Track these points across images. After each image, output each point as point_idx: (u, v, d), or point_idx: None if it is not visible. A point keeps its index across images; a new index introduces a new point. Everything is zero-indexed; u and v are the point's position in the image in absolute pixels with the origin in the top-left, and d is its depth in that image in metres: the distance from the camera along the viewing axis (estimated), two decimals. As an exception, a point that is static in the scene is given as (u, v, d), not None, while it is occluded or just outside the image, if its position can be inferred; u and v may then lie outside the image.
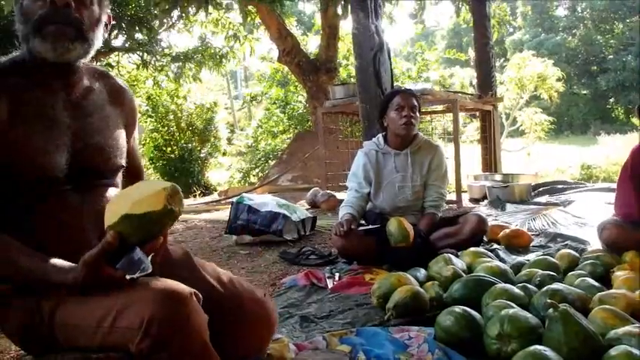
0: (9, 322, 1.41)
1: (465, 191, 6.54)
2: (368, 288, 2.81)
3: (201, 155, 14.46)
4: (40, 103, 1.43)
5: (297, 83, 13.95)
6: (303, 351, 2.00)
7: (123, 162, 1.60)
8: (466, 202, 6.24)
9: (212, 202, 8.73)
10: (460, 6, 11.11)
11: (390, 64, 5.11)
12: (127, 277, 1.23)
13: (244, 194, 4.88)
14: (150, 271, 1.24)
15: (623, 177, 3.08)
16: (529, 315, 1.91)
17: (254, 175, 14.57)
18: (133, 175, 1.69)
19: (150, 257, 1.27)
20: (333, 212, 5.94)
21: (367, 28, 4.85)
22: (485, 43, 7.97)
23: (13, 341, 1.47)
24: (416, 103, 3.49)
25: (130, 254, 1.25)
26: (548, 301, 1.89)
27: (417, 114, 3.50)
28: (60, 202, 1.43)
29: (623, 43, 28.07)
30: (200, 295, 1.27)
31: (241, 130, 21.60)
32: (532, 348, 1.65)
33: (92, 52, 1.48)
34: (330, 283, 3.00)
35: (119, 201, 1.29)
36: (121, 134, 1.61)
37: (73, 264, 1.26)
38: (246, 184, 13.19)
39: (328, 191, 6.42)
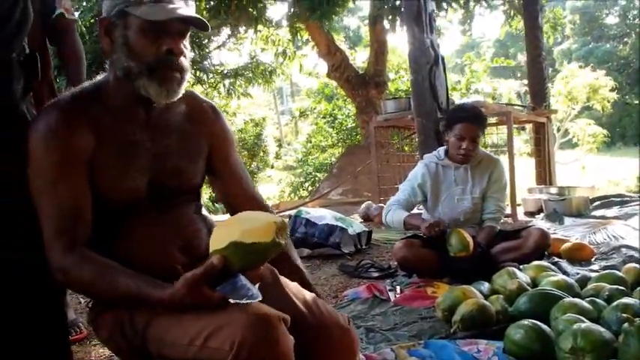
0: (104, 330, 1.48)
1: (520, 205, 6.45)
2: (431, 301, 2.83)
3: (251, 169, 14.65)
4: (121, 128, 1.49)
5: (345, 97, 14.03)
6: (373, 363, 2.03)
7: (200, 180, 1.65)
8: (521, 215, 6.17)
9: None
10: (512, 15, 11.00)
11: (445, 78, 5.12)
12: (232, 301, 1.28)
13: (302, 207, 4.94)
14: (260, 299, 1.29)
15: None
16: (602, 329, 1.90)
17: (304, 189, 14.67)
18: (236, 193, 1.72)
19: (257, 285, 1.33)
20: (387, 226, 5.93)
21: (422, 43, 4.88)
22: (537, 54, 7.88)
23: (108, 347, 1.55)
24: (479, 133, 3.48)
25: (233, 279, 1.30)
26: (623, 315, 1.88)
27: (478, 141, 3.50)
28: (141, 222, 1.49)
29: (677, 50, 27.21)
30: (288, 319, 1.31)
31: (288, 144, 21.79)
32: (609, 361, 1.65)
33: None
34: (392, 296, 3.02)
35: (228, 227, 1.33)
36: (201, 155, 1.64)
37: (169, 284, 1.32)
38: (297, 198, 13.29)
39: (382, 205, 6.43)
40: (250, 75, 13.09)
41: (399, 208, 3.51)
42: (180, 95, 1.49)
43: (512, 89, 15.98)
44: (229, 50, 13.58)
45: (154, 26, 1.41)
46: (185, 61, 1.47)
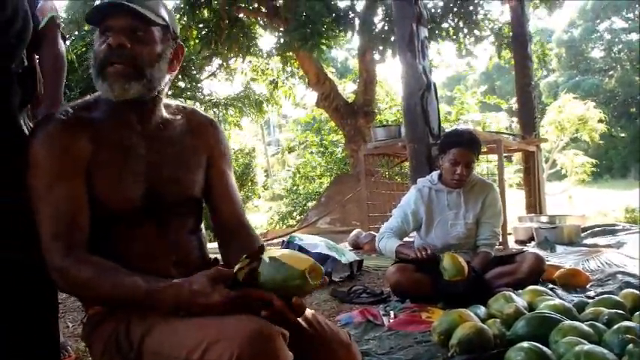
0: (97, 345, 1.44)
1: (510, 233, 6.44)
2: (426, 326, 2.77)
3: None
4: (117, 136, 1.48)
5: (334, 128, 14.10)
6: (370, 386, 1.96)
7: (198, 192, 1.62)
8: (512, 244, 6.14)
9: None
10: (501, 47, 11.14)
11: (437, 104, 5.14)
12: None
13: (295, 234, 4.89)
14: None
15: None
16: (605, 351, 1.86)
17: (292, 218, 14.63)
18: (227, 215, 1.68)
19: None
20: (378, 253, 5.88)
21: (415, 68, 4.91)
22: (526, 83, 7.97)
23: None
24: (474, 158, 3.47)
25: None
26: (628, 336, 1.84)
27: (473, 166, 3.49)
28: (136, 234, 1.48)
29: (663, 84, 27.70)
30: (287, 334, 1.28)
31: (274, 175, 21.85)
32: (614, 384, 1.60)
33: (158, 87, 1.51)
34: (386, 321, 2.96)
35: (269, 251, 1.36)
36: (199, 167, 1.63)
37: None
38: (285, 227, 13.22)
39: (371, 232, 6.39)
40: (241, 105, 13.14)
41: (392, 237, 3.49)
42: (145, 90, 1.47)
43: (500, 122, 16.13)
44: (219, 81, 13.66)
45: (103, 27, 1.44)
46: (142, 54, 1.45)
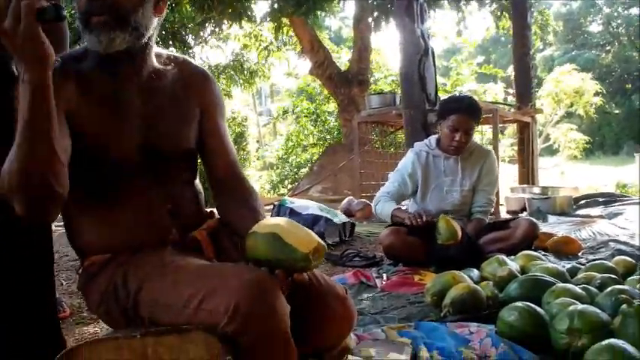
0: (94, 295, 1.44)
1: (502, 204, 6.46)
2: (419, 288, 2.79)
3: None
4: (109, 87, 1.44)
5: (327, 96, 14.01)
6: (364, 341, 1.96)
7: (193, 143, 1.59)
8: (503, 214, 6.17)
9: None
10: (500, 15, 11.03)
11: (435, 70, 5.09)
12: None
13: (287, 197, 4.88)
14: None
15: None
16: (599, 310, 1.86)
17: (284, 187, 14.62)
18: (223, 168, 1.64)
19: None
20: (369, 220, 5.91)
21: (413, 33, 4.84)
22: (524, 53, 7.91)
23: (97, 313, 1.49)
24: (473, 125, 3.44)
25: None
26: (622, 296, 1.84)
27: (472, 133, 3.46)
28: (131, 184, 1.45)
29: (661, 59, 27.57)
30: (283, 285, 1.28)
31: (266, 145, 21.78)
32: (608, 341, 1.60)
33: (146, 33, 1.44)
34: (379, 283, 2.97)
35: (274, 221, 1.35)
36: (193, 119, 1.59)
37: None
38: (276, 195, 13.22)
39: (363, 200, 6.39)
40: (232, 73, 13.01)
41: (388, 200, 3.47)
42: (132, 39, 1.40)
43: (496, 93, 16.07)
44: (210, 48, 13.47)
45: None
46: (122, 2, 1.37)
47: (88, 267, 1.46)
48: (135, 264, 1.36)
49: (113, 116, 1.43)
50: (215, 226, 1.59)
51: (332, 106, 14.29)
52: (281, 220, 1.36)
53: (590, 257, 3.40)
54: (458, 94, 3.52)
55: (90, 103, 1.39)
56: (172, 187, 1.52)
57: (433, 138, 3.59)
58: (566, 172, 15.30)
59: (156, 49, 1.55)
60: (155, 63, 1.53)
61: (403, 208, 3.63)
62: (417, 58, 4.87)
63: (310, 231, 1.37)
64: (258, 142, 22.49)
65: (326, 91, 13.53)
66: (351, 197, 6.66)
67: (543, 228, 4.72)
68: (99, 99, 1.41)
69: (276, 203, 4.44)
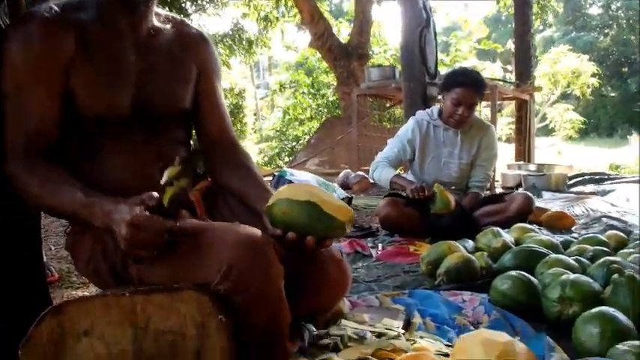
0: (82, 254, 1.43)
1: (498, 181, 6.49)
2: (414, 258, 2.81)
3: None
4: (106, 40, 1.42)
5: (326, 70, 13.92)
6: (358, 307, 1.99)
7: (188, 104, 1.58)
8: (499, 190, 6.19)
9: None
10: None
11: (436, 43, 5.06)
12: None
13: (286, 168, 4.89)
14: None
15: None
16: (591, 280, 1.88)
17: (281, 160, 14.61)
18: (217, 132, 1.64)
19: None
20: (366, 193, 5.93)
21: (415, 3, 4.79)
22: (525, 30, 7.87)
23: (84, 273, 1.48)
24: (477, 100, 3.42)
25: None
26: (614, 266, 1.86)
27: (474, 108, 3.45)
28: (123, 141, 1.44)
29: (658, 44, 27.39)
30: (278, 247, 1.28)
31: (264, 118, 21.65)
32: (598, 309, 1.62)
33: None
34: (374, 253, 2.99)
35: (306, 187, 1.37)
36: (190, 79, 1.58)
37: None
38: (273, 168, 13.21)
39: (360, 173, 6.40)
40: (231, 43, 12.87)
41: (387, 166, 3.47)
42: None
43: (495, 72, 16.01)
44: (209, 16, 13.30)
45: None
46: None
47: (76, 226, 1.45)
48: None
49: (108, 68, 1.41)
50: (209, 188, 1.58)
51: (330, 78, 14.20)
52: (312, 187, 1.38)
53: (583, 232, 3.43)
54: (464, 68, 3.48)
55: (86, 54, 1.38)
56: (165, 146, 1.50)
57: (435, 108, 3.59)
58: (562, 152, 15.33)
59: (155, 9, 1.53)
60: (154, 21, 1.52)
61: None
62: (419, 30, 4.82)
63: (338, 199, 1.40)
64: (255, 115, 22.36)
65: (325, 65, 13.44)
66: (348, 170, 6.67)
67: (538, 203, 4.75)
68: (95, 50, 1.39)
69: (275, 174, 4.44)
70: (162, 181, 1.27)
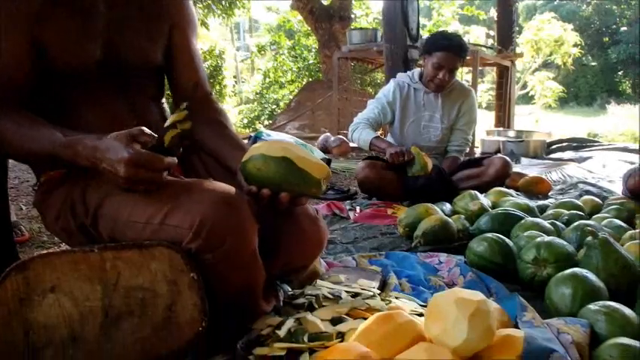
0: (51, 210, 1.39)
1: (477, 147, 6.51)
2: (391, 220, 2.82)
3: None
4: None
5: (308, 32, 13.75)
6: (334, 268, 1.98)
7: (159, 59, 1.53)
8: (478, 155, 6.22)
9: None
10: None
11: (418, 5, 4.99)
12: None
13: (263, 129, 4.84)
14: None
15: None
16: (565, 243, 1.89)
17: (260, 123, 14.50)
18: (191, 86, 1.59)
19: None
20: (345, 157, 5.91)
21: (398, -38, 4.71)
22: (509, -5, 7.81)
23: (53, 231, 1.45)
24: (458, 65, 3.39)
25: None
26: (588, 229, 1.88)
27: (455, 72, 3.42)
28: (95, 96, 1.40)
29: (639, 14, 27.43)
30: (253, 204, 1.26)
31: (244, 81, 21.41)
32: (571, 270, 1.63)
33: None
34: (352, 215, 2.99)
35: (281, 144, 1.33)
36: (162, 32, 1.53)
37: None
38: (252, 130, 13.11)
39: (340, 136, 6.37)
40: (210, 2, 12.59)
41: (367, 127, 3.44)
42: None
43: (479, 36, 15.92)
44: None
45: None
46: None
47: (45, 182, 1.42)
48: (96, 179, 1.30)
49: (77, 19, 1.36)
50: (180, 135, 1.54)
51: (312, 40, 14.04)
52: (288, 144, 1.35)
53: (559, 197, 3.46)
54: (446, 31, 3.42)
55: (55, 5, 1.33)
56: (137, 102, 1.47)
57: (416, 71, 3.56)
58: (541, 120, 15.42)
59: None
60: None
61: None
62: (401, -8, 4.76)
63: (314, 156, 1.37)
64: (235, 77, 22.10)
65: (306, 27, 13.27)
66: (328, 134, 6.63)
67: (516, 169, 4.79)
68: (64, 1, 1.34)
69: (252, 135, 4.39)
70: (167, 123, 1.23)
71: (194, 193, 1.21)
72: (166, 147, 1.22)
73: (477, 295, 1.14)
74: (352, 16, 11.86)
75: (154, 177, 1.18)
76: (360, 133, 3.44)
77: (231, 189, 1.24)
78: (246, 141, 5.04)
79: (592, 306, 1.40)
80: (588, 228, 1.90)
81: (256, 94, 16.27)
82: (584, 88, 28.50)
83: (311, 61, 14.54)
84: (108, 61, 1.40)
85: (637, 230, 2.20)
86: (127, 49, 1.44)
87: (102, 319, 1.18)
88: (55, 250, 1.24)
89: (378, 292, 1.68)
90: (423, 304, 1.61)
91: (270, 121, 12.80)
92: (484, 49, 7.27)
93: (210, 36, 16.63)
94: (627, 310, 1.37)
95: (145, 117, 1.48)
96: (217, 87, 15.14)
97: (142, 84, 1.51)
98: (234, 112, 16.90)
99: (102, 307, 1.18)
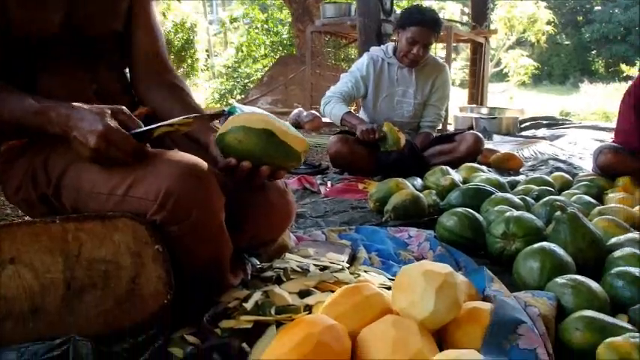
0: (12, 181, 1.36)
1: (450, 124, 6.53)
2: (362, 195, 2.81)
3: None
4: None
5: (282, 5, 13.59)
6: (304, 242, 1.97)
7: (120, 28, 1.49)
8: (451, 132, 6.25)
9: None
10: None
11: (392, -23, 4.96)
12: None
13: (235, 104, 4.78)
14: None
15: (625, 104, 3.05)
16: (534, 217, 1.91)
17: (232, 97, 14.36)
18: (151, 56, 1.54)
19: None
20: (318, 132, 5.88)
21: None
22: (482, -29, 7.79)
23: (14, 202, 1.41)
24: (432, 40, 3.37)
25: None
26: (557, 203, 1.89)
27: (430, 48, 3.40)
28: (54, 65, 1.36)
29: (613, -7, 27.63)
30: (220, 175, 1.24)
31: (216, 55, 21.15)
32: (539, 244, 1.64)
33: None
34: (323, 190, 2.97)
35: (260, 116, 1.31)
36: (123, 1, 1.49)
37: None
38: (226, 107, 12.99)
39: (313, 112, 6.33)
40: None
41: (339, 101, 3.42)
42: None
43: (454, 12, 15.92)
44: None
45: None
46: None
47: (5, 152, 1.38)
48: (57, 148, 1.26)
49: None
50: (148, 115, 1.50)
51: (285, 14, 13.89)
52: (267, 116, 1.33)
53: (531, 174, 3.49)
54: (421, 6, 3.38)
55: None
56: (98, 69, 1.44)
57: (390, 45, 3.53)
58: (514, 98, 15.54)
59: None
60: None
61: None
62: (375, -35, 4.71)
63: (294, 130, 1.36)
64: (207, 51, 21.81)
65: (280, 1, 13.10)
66: (301, 109, 6.59)
67: (488, 145, 4.82)
68: None
69: (225, 109, 4.34)
70: (170, 121, 1.20)
71: (159, 163, 1.18)
72: (153, 138, 1.20)
73: (445, 268, 1.14)
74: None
75: (122, 157, 1.15)
76: (332, 107, 3.42)
77: (198, 160, 1.21)
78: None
79: (559, 279, 1.41)
80: (557, 203, 1.92)
81: (228, 68, 16.08)
82: (558, 66, 28.71)
83: (284, 36, 14.41)
84: (69, 29, 1.36)
85: (605, 206, 2.23)
86: (87, 18, 1.40)
87: (63, 291, 1.15)
88: (15, 221, 1.19)
89: (347, 265, 1.68)
90: (392, 277, 1.61)
91: (243, 96, 12.67)
92: (458, 25, 7.27)
93: (181, 8, 16.36)
94: (593, 284, 1.38)
95: (105, 86, 1.45)
96: (189, 61, 14.97)
97: (103, 53, 1.47)
98: (206, 87, 16.72)
99: (63, 279, 1.15)
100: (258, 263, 1.62)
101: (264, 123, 1.28)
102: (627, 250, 1.64)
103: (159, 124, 1.19)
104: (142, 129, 1.18)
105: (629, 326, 1.21)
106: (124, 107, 1.19)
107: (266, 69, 13.37)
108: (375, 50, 3.55)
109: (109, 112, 1.16)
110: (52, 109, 1.17)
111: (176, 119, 1.20)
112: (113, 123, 1.14)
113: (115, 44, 1.51)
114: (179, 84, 1.54)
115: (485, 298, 1.39)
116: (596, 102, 14.29)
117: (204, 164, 1.21)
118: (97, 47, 1.44)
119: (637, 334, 1.12)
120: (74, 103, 1.17)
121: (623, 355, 1.07)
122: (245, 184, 1.32)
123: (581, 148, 4.61)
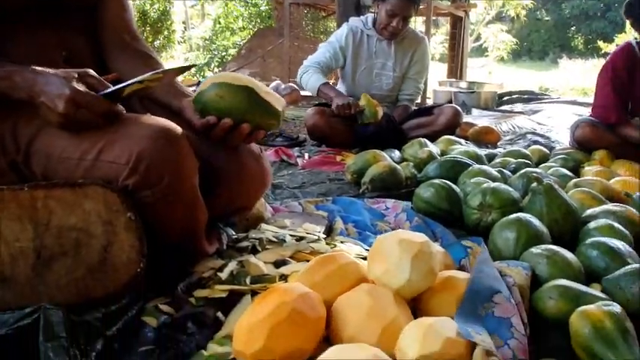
0: None
1: (429, 98, 6.53)
2: (340, 167, 2.80)
3: (155, 46, 13.89)
4: None
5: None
6: (280, 213, 1.95)
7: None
8: (429, 106, 6.25)
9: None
10: None
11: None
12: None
13: (209, 75, 4.71)
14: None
15: (603, 78, 3.06)
16: (510, 188, 1.91)
17: (210, 70, 14.20)
18: (118, 24, 1.50)
19: None
20: (296, 105, 5.84)
21: None
22: (463, -55, 7.73)
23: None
24: (412, 12, 3.32)
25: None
26: (533, 175, 1.89)
27: (409, 20, 3.36)
28: (21, 29, 1.31)
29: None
30: (192, 139, 1.21)
31: (192, 27, 20.87)
32: (515, 215, 1.64)
33: None
34: (300, 162, 2.96)
35: (241, 77, 1.30)
36: None
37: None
38: (202, 78, 12.84)
39: (291, 84, 6.28)
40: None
41: (317, 72, 3.38)
42: None
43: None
44: None
45: None
46: None
47: None
48: (26, 113, 1.22)
49: None
50: (119, 80, 1.47)
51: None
52: (244, 77, 1.31)
53: (508, 147, 3.50)
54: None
55: None
56: (67, 34, 1.39)
57: (370, 17, 3.49)
58: (493, 73, 15.57)
59: None
60: None
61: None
62: None
63: (276, 94, 1.35)
64: (184, 23, 21.49)
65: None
66: (279, 81, 6.54)
67: (466, 119, 4.83)
68: None
69: (201, 80, 4.27)
70: (138, 78, 1.16)
71: (131, 127, 1.15)
72: (124, 96, 1.17)
73: (421, 237, 1.13)
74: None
75: (93, 120, 1.12)
76: (309, 77, 3.38)
77: (171, 123, 1.18)
78: (193, 88, 4.91)
79: (534, 249, 1.42)
80: (534, 175, 1.92)
81: (205, 40, 15.88)
82: (538, 42, 28.77)
83: (262, 8, 14.23)
84: None
85: (581, 178, 2.25)
86: None
87: (34, 260, 1.13)
88: (-19, 189, 1.16)
89: (324, 236, 1.67)
90: (368, 248, 1.60)
91: (220, 69, 12.54)
92: (438, -2, 7.23)
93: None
94: (568, 254, 1.39)
95: (75, 52, 1.40)
96: (165, 32, 14.73)
97: (73, 19, 1.42)
98: (182, 59, 16.50)
99: (33, 248, 1.13)
100: (234, 234, 1.60)
101: (246, 81, 1.27)
102: (602, 221, 1.65)
103: (128, 82, 1.16)
104: (111, 88, 1.15)
105: (603, 295, 1.23)
106: (91, 70, 1.15)
107: (244, 41, 13.22)
108: (354, 21, 3.51)
109: (76, 75, 1.12)
110: (17, 73, 1.13)
111: (145, 75, 1.16)
112: (81, 86, 1.11)
113: (85, 11, 1.47)
114: (148, 52, 1.51)
115: (461, 268, 1.40)
116: (575, 78, 14.40)
117: (177, 127, 1.18)
118: (66, 13, 1.40)
119: (609, 303, 1.13)
120: (39, 68, 1.13)
121: (595, 323, 1.07)
122: (222, 144, 1.31)
123: (558, 122, 4.65)
